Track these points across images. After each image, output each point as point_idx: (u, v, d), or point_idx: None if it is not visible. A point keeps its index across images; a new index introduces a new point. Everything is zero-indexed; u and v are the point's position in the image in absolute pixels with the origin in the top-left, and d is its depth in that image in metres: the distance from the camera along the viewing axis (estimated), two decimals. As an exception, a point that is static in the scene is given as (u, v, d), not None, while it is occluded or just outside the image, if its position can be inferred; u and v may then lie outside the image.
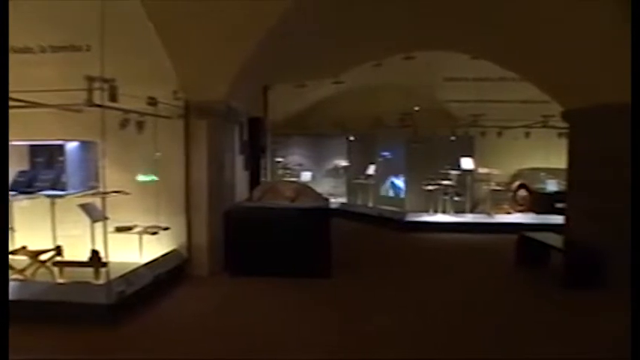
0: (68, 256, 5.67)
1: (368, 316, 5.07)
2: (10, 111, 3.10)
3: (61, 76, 5.16)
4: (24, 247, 5.56)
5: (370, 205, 13.09)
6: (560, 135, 9.27)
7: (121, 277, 5.02)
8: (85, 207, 5.17)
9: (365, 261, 7.76)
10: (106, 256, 4.94)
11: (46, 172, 5.96)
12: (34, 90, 4.70)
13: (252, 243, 6.52)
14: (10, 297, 4.09)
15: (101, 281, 5.05)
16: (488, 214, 11.33)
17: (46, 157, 6.16)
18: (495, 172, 11.96)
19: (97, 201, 5.23)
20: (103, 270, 5.09)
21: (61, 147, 5.87)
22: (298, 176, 14.16)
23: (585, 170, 6.79)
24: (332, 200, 10.85)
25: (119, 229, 5.80)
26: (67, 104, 5.14)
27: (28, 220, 5.89)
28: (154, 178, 6.07)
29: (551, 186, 11.57)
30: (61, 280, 5.34)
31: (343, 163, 15.00)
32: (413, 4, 6.42)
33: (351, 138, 14.17)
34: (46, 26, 5.99)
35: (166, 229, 6.11)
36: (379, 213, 11.82)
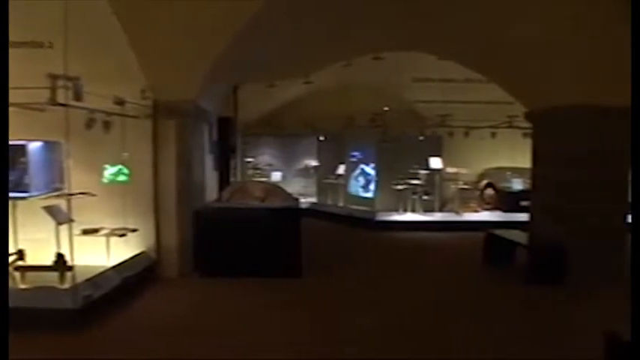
0: (32, 260, 5.48)
1: (338, 315, 5.11)
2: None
3: (22, 74, 4.96)
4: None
5: (340, 204, 13.17)
6: (524, 135, 9.57)
7: (88, 280, 4.89)
8: (49, 209, 5.01)
9: (335, 260, 7.79)
10: (72, 260, 4.81)
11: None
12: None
13: (222, 243, 6.47)
14: (-30, 303, 3.92)
15: (67, 285, 4.90)
16: (457, 212, 11.57)
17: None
18: (463, 171, 12.24)
19: (62, 203, 5.08)
20: (68, 274, 4.94)
21: (23, 147, 5.66)
22: (268, 176, 14.11)
23: (548, 170, 7.01)
24: (302, 200, 10.86)
25: (86, 232, 5.66)
26: (29, 103, 4.97)
27: (-12, 223, 5.66)
28: (124, 170, 5.90)
29: (517, 185, 11.91)
30: (23, 286, 5.15)
31: (313, 163, 15.04)
32: (381, 5, 6.48)
33: (321, 138, 14.22)
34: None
35: (134, 230, 5.99)
36: (349, 212, 11.92)
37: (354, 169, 13.26)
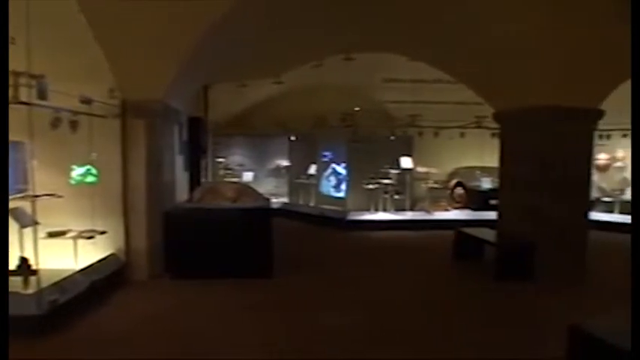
0: (-7, 264, 5.29)
1: (310, 316, 5.12)
2: None
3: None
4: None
5: (312, 204, 13.18)
6: (493, 135, 9.81)
7: (54, 285, 4.76)
8: (12, 212, 4.83)
9: (307, 260, 7.81)
10: (37, 264, 4.66)
11: (-34, 174, 5.52)
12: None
13: (193, 245, 6.41)
14: None
15: (31, 290, 4.74)
16: (427, 211, 11.76)
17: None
18: (433, 170, 12.46)
19: (26, 205, 4.91)
20: (32, 278, 4.78)
21: (-17, 147, 5.45)
22: (240, 176, 14.00)
23: (515, 169, 7.21)
24: (274, 200, 10.84)
25: (51, 235, 5.50)
26: (-10, 101, 4.79)
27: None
28: (92, 171, 5.75)
29: (486, 184, 12.22)
30: (-16, 291, 4.97)
31: (285, 162, 15.00)
32: (351, 6, 6.52)
33: (293, 138, 14.20)
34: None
35: (103, 232, 5.87)
36: (321, 212, 11.94)
37: (325, 169, 13.30)
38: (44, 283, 4.60)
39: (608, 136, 11.24)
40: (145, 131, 6.22)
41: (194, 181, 9.37)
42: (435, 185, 12.59)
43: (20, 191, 5.42)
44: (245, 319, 4.96)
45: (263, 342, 4.35)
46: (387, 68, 10.78)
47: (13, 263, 5.01)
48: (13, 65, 4.35)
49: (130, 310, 5.22)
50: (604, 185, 12.30)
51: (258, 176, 14.90)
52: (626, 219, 10.93)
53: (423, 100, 11.48)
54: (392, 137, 12.11)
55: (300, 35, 7.66)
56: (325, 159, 13.30)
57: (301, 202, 13.67)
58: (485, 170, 12.30)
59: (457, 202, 12.94)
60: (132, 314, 5.09)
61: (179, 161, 7.75)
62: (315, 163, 13.27)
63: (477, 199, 12.22)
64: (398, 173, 11.72)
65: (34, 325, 4.27)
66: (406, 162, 11.91)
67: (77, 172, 5.74)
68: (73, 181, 5.74)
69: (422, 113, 11.16)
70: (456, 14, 6.15)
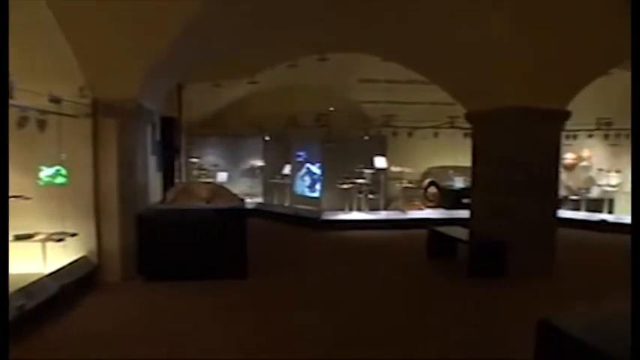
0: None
1: (285, 316, 5.11)
2: None
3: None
4: None
5: (287, 204, 13.17)
6: (465, 135, 9.99)
7: (21, 289, 4.61)
8: (-24, 215, 4.69)
9: (282, 260, 7.80)
10: (4, 268, 4.51)
11: None
12: None
13: (167, 246, 6.32)
14: None
15: (-3, 295, 4.60)
16: (401, 210, 11.90)
17: None
18: (407, 170, 12.61)
19: (-9, 207, 4.76)
20: (-1, 283, 4.64)
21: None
22: (214, 177, 13.88)
23: (487, 168, 7.36)
24: (248, 200, 10.78)
25: (19, 238, 5.33)
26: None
27: None
28: (62, 172, 5.60)
29: (459, 183, 12.45)
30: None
31: (259, 163, 14.95)
32: (324, 6, 6.54)
33: (267, 138, 14.17)
34: None
35: (74, 235, 5.71)
36: (296, 212, 11.95)
37: (299, 169, 13.32)
38: (10, 289, 4.46)
39: (575, 137, 11.61)
40: (117, 131, 6.10)
41: (167, 182, 9.24)
42: (409, 185, 12.75)
43: (-15, 193, 5.24)
44: (219, 320, 4.92)
45: (238, 342, 4.33)
46: (362, 69, 10.85)
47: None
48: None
49: (102, 314, 5.11)
50: (571, 184, 12.70)
51: (232, 176, 14.80)
52: (591, 216, 11.33)
53: (397, 100, 11.61)
54: (366, 137, 12.20)
55: (274, 35, 7.63)
56: (300, 159, 13.32)
57: (276, 202, 13.65)
58: (458, 170, 12.52)
59: (430, 202, 13.12)
60: (104, 318, 4.98)
61: (152, 162, 7.63)
62: (289, 163, 13.27)
63: (450, 198, 12.43)
64: (372, 173, 11.82)
65: (1, 332, 4.14)
66: (380, 162, 12.02)
67: (46, 172, 5.58)
68: (41, 182, 5.58)
69: (396, 113, 11.28)
70: (426, 15, 6.23)
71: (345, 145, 11.95)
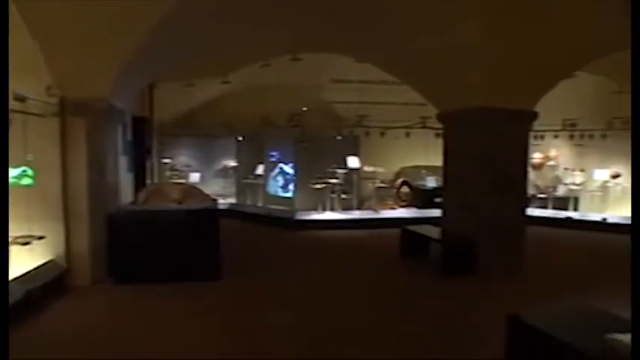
0: None
1: (259, 315, 5.11)
2: None
3: None
4: None
5: (260, 204, 13.13)
6: (437, 135, 10.16)
7: (-15, 294, 4.47)
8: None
9: (255, 261, 7.78)
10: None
11: None
12: None
13: (138, 248, 6.22)
14: None
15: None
16: (374, 210, 12.00)
17: None
18: (380, 170, 12.73)
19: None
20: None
21: None
22: (186, 177, 13.74)
23: (458, 168, 7.49)
24: (221, 201, 10.69)
25: (-18, 241, 5.16)
26: None
27: None
28: (28, 172, 5.44)
29: (431, 182, 12.64)
30: None
31: (232, 163, 14.87)
32: (297, 7, 6.55)
33: (240, 138, 14.09)
34: None
35: (41, 238, 5.54)
36: (269, 212, 11.93)
37: (272, 169, 13.30)
38: (-25, 293, 4.32)
39: (542, 137, 11.98)
40: (86, 131, 5.97)
41: (139, 183, 9.11)
42: (382, 184, 12.88)
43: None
44: (192, 322, 4.87)
45: (211, 343, 4.31)
46: (335, 69, 10.91)
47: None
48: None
49: (71, 319, 4.98)
50: (539, 183, 13.07)
51: (205, 177, 14.67)
52: (558, 214, 11.70)
53: (369, 100, 11.72)
54: (339, 137, 12.26)
55: (247, 35, 7.60)
56: (273, 159, 13.30)
57: (249, 202, 13.60)
58: (430, 169, 12.70)
59: (403, 201, 13.28)
60: (72, 323, 4.85)
61: (123, 162, 7.50)
62: (262, 163, 13.24)
63: (422, 198, 12.61)
64: (345, 173, 11.89)
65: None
66: (353, 162, 12.11)
67: (11, 173, 5.42)
68: (6, 184, 5.41)
69: (369, 113, 11.39)
70: (397, 17, 6.31)
71: (318, 145, 11.98)
